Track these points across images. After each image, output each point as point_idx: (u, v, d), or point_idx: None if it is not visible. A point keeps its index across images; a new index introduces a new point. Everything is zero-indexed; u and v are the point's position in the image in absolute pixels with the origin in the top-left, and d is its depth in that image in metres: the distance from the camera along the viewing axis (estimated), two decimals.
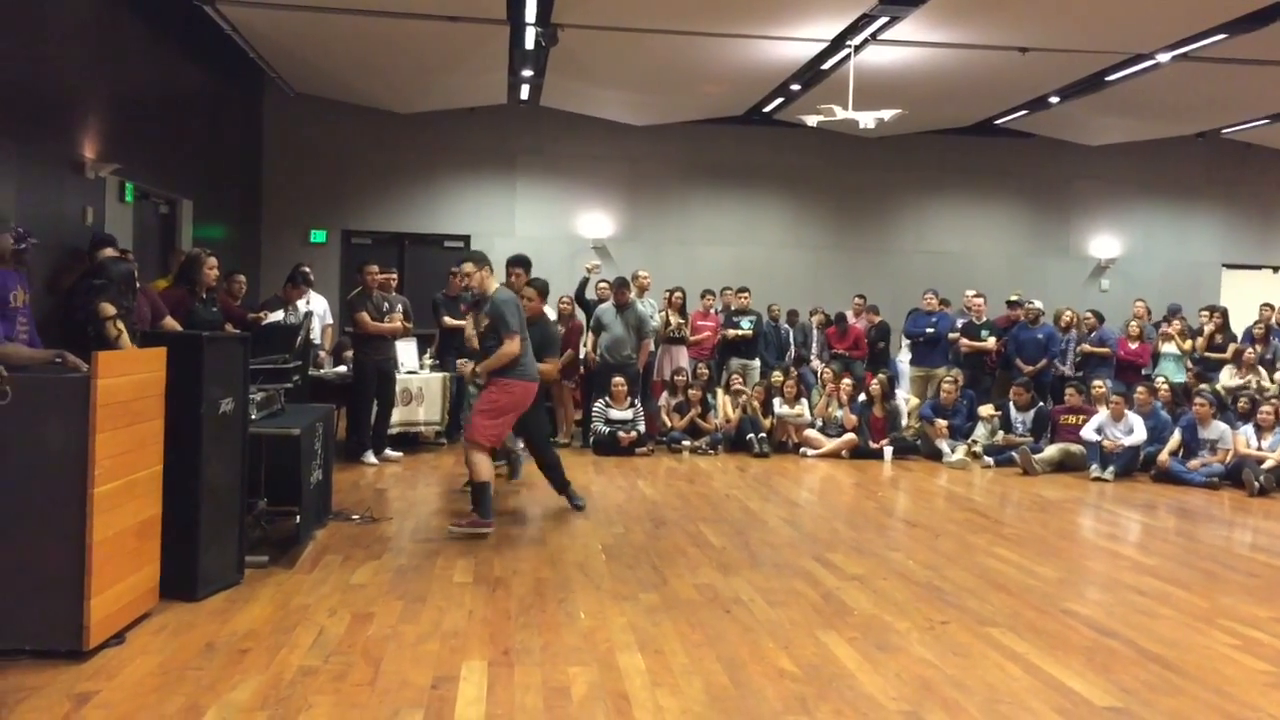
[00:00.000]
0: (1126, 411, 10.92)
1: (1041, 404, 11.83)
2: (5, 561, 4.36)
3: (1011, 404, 11.67)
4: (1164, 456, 10.65)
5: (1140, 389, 11.38)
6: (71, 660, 4.39)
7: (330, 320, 11.57)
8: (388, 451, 10.15)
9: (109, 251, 7.25)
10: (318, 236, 15.86)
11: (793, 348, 13.70)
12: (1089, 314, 13.05)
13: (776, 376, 12.26)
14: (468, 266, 7.38)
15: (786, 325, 14.05)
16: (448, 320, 11.21)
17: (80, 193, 8.69)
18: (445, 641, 4.86)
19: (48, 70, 8.28)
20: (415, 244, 16.24)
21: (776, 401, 11.97)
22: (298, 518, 6.52)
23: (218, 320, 8.07)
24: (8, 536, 4.37)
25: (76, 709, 3.95)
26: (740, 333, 12.79)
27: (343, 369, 10.54)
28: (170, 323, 7.37)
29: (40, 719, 3.84)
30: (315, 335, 10.20)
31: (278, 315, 9.77)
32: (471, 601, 5.54)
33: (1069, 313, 13.11)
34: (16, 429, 4.37)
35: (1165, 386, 11.80)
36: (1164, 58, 11.95)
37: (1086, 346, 12.62)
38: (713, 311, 13.12)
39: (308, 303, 10.42)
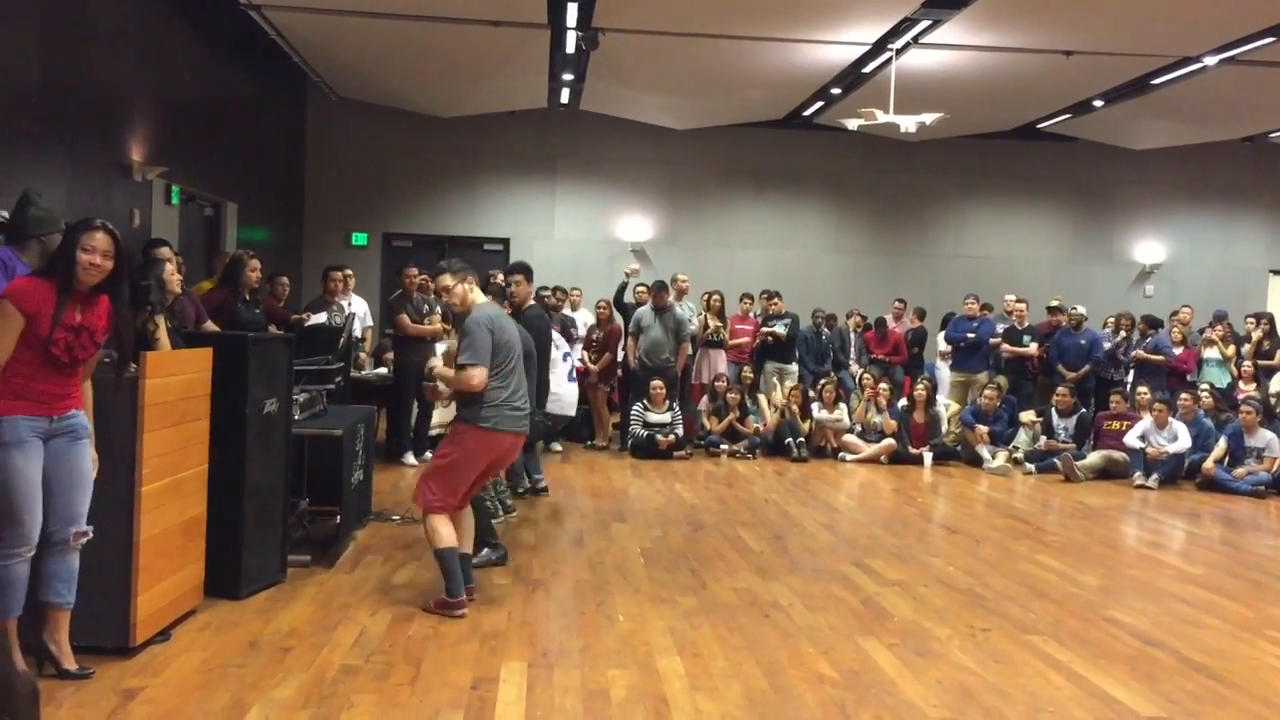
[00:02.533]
0: (1170, 418, 10.79)
1: (1084, 410, 11.71)
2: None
3: (1054, 410, 11.56)
4: (1209, 464, 10.51)
5: (1185, 396, 11.25)
6: (118, 656, 4.45)
7: (370, 322, 11.64)
8: (427, 454, 10.19)
9: (165, 252, 7.35)
10: (359, 239, 15.99)
11: (830, 352, 13.65)
12: (1144, 319, 12.86)
13: (822, 382, 12.22)
14: (446, 280, 5.61)
15: (825, 329, 14.01)
16: None
17: (128, 195, 8.83)
18: (485, 643, 4.88)
19: (96, 76, 8.41)
20: (456, 247, 16.33)
21: (815, 406, 11.93)
22: (339, 518, 6.57)
23: (261, 322, 8.14)
24: None
25: (123, 704, 4.00)
26: (774, 332, 12.71)
27: (383, 370, 10.62)
28: (209, 327, 7.44)
29: (87, 714, 3.89)
30: (356, 337, 10.27)
31: (321, 317, 9.85)
32: (511, 603, 5.56)
33: (1122, 317, 12.99)
34: None
35: (1209, 393, 11.64)
36: (1211, 61, 11.80)
37: (1142, 353, 12.42)
38: (751, 315, 13.09)
39: (349, 304, 10.49)
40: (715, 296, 12.59)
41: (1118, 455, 10.94)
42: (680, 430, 11.29)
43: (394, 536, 7.04)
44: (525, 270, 7.80)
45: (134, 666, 4.40)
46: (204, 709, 3.98)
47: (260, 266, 8.48)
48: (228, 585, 5.35)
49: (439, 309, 10.36)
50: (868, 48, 11.83)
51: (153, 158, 9.23)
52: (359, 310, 10.83)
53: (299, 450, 6.25)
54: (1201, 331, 13.16)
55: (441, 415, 10.59)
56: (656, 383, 11.21)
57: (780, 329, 12.74)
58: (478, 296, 5.62)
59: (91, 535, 4.20)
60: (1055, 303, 13.11)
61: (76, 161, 7.98)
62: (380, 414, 9.94)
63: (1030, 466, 11.17)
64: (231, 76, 12.03)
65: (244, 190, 12.27)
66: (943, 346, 13.99)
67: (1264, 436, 10.49)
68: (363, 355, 10.79)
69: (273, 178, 14.26)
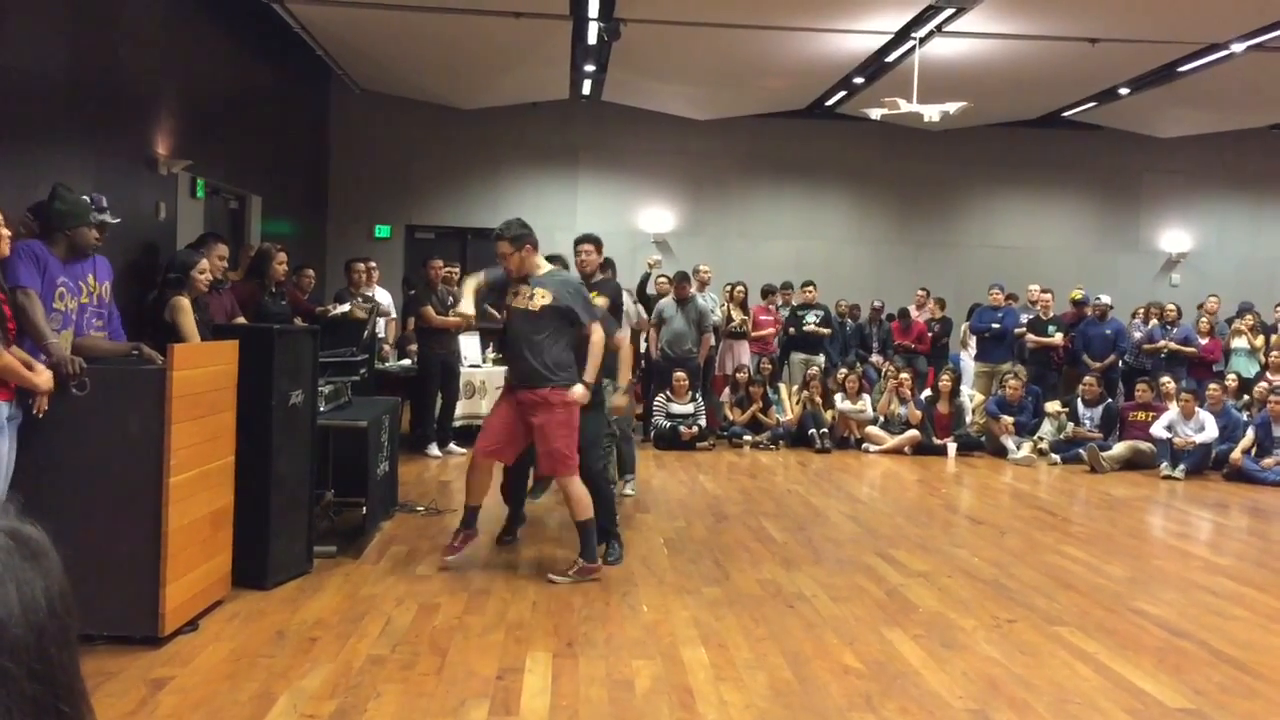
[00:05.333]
0: (1197, 409, 10.71)
1: (1110, 400, 11.65)
2: (84, 549, 4.44)
3: (1080, 399, 11.49)
4: (1237, 455, 10.42)
5: (1213, 386, 11.16)
6: (147, 646, 4.49)
7: (394, 314, 11.68)
8: (452, 445, 10.23)
9: (219, 249, 7.41)
10: (382, 231, 16.03)
11: (852, 344, 13.66)
12: (1171, 306, 12.77)
13: (843, 372, 12.21)
14: (504, 247, 5.81)
15: (850, 320, 14.00)
16: None
17: (154, 189, 8.87)
18: (510, 633, 4.90)
19: (121, 70, 8.45)
20: (478, 238, 16.34)
21: (838, 397, 11.90)
22: (364, 509, 6.61)
23: (286, 314, 8.18)
24: (87, 524, 4.46)
25: (152, 694, 4.03)
26: (816, 328, 12.66)
27: (407, 362, 10.66)
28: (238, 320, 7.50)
29: (117, 704, 3.93)
30: (379, 329, 10.33)
31: (345, 306, 9.91)
32: (535, 593, 5.58)
33: (1151, 306, 12.99)
34: (95, 419, 4.49)
35: (1236, 383, 11.56)
36: (1238, 48, 11.68)
37: (1173, 344, 12.33)
38: (772, 308, 13.06)
39: (372, 294, 10.53)
40: (739, 288, 12.57)
41: (1144, 446, 10.87)
42: (703, 421, 11.29)
43: (420, 527, 7.07)
44: (595, 241, 7.31)
45: (163, 656, 4.44)
46: (233, 698, 4.01)
47: (287, 259, 8.53)
48: (255, 575, 5.38)
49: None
50: (891, 36, 11.77)
51: (178, 151, 9.28)
52: (383, 302, 10.88)
53: (324, 442, 6.29)
54: (1229, 322, 13.06)
55: (466, 407, 10.64)
56: (679, 374, 11.20)
57: (813, 320, 12.67)
58: (541, 263, 5.93)
59: None
60: (1078, 295, 13.02)
61: (103, 155, 8.03)
62: (405, 406, 9.98)
63: (1055, 457, 11.11)
64: (256, 70, 12.07)
65: (269, 183, 12.32)
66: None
67: None
68: (386, 347, 10.83)
69: (297, 171, 14.31)
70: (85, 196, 5.30)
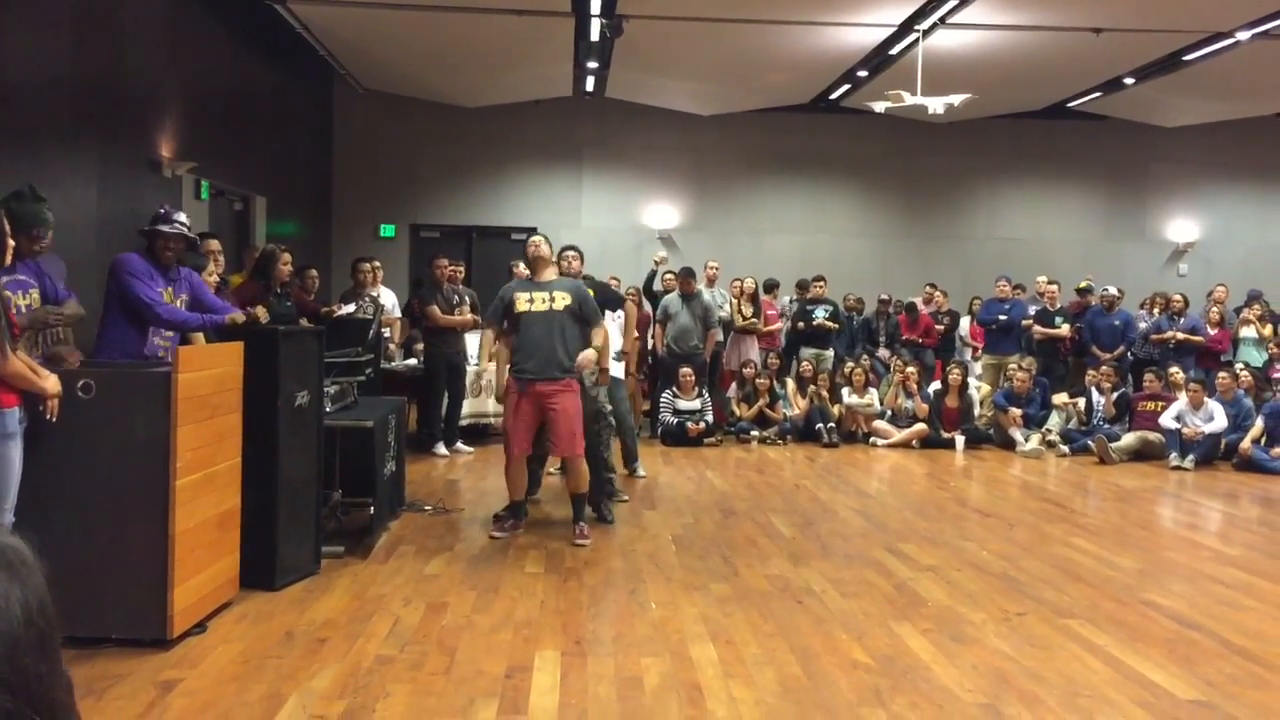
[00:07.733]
0: (1206, 399, 10.67)
1: (1124, 389, 11.62)
2: (92, 552, 4.46)
3: (1094, 388, 11.42)
4: (1246, 444, 10.38)
5: (1222, 375, 11.12)
6: (156, 648, 4.49)
7: (398, 314, 11.65)
8: (458, 444, 10.23)
9: (212, 244, 7.41)
10: (387, 231, 16.05)
11: (858, 338, 13.64)
12: (1178, 297, 12.72)
13: (849, 365, 12.19)
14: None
15: (856, 314, 13.98)
16: None
17: (158, 191, 8.88)
18: (518, 631, 4.90)
19: (125, 73, 8.47)
20: (483, 236, 16.37)
21: (845, 391, 11.87)
22: (371, 509, 6.60)
23: (292, 315, 8.15)
24: (94, 528, 4.48)
25: (161, 696, 4.04)
26: (827, 323, 12.60)
27: (413, 362, 10.65)
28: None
29: (126, 706, 3.93)
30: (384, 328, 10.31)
31: (350, 307, 9.90)
32: (543, 592, 5.58)
33: (1157, 297, 13.01)
34: (101, 423, 4.49)
35: (1246, 372, 11.51)
36: (1243, 36, 11.64)
37: (1180, 334, 12.27)
38: (777, 304, 13.00)
39: (378, 295, 10.52)
40: (748, 281, 12.55)
41: (1153, 436, 10.83)
42: (710, 417, 11.26)
43: (426, 527, 7.08)
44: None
45: (172, 658, 4.44)
46: (241, 700, 4.02)
47: (291, 260, 8.53)
48: (263, 577, 5.38)
49: (468, 299, 10.39)
50: (894, 29, 11.75)
51: (182, 153, 9.30)
52: (387, 301, 10.86)
53: (331, 442, 6.28)
54: (1238, 311, 13.01)
55: (472, 406, 10.63)
56: (685, 370, 11.18)
57: (822, 315, 12.63)
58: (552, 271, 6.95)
59: None
60: (1085, 284, 12.98)
61: (107, 158, 8.05)
62: (411, 405, 9.98)
63: (1065, 448, 11.07)
64: (259, 71, 12.09)
65: (273, 184, 12.34)
66: (962, 330, 13.99)
67: None
68: (392, 347, 10.83)
69: (301, 171, 14.34)
70: (161, 209, 5.32)
